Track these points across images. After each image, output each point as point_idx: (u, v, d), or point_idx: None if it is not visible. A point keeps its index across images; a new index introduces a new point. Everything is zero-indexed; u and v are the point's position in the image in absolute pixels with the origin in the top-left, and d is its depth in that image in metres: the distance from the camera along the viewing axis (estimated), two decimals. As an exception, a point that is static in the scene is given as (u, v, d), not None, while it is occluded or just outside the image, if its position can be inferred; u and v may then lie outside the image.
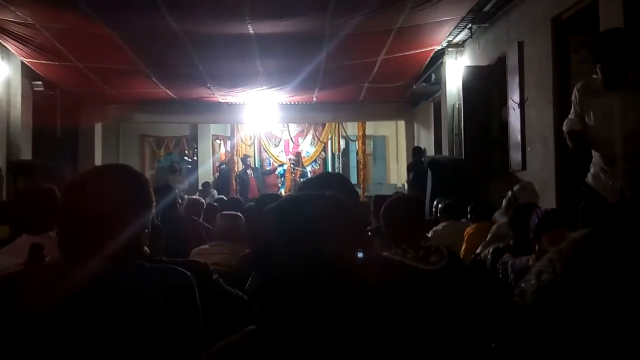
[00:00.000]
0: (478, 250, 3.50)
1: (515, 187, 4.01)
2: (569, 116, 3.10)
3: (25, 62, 7.38)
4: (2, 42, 6.78)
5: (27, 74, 7.73)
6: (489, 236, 3.62)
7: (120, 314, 1.05)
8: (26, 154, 7.84)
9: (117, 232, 1.09)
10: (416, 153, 9.27)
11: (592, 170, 3.05)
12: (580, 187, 3.13)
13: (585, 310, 0.35)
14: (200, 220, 4.98)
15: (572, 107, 3.08)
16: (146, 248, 1.25)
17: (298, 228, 0.85)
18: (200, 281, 1.23)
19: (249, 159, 12.85)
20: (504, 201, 3.98)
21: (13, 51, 7.07)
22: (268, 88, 8.70)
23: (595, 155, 3.00)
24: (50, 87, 8.22)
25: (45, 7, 5.48)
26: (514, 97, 5.75)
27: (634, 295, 0.34)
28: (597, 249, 0.38)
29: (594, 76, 2.94)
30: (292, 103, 10.25)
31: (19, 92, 7.65)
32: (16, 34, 6.30)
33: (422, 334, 2.06)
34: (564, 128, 3.09)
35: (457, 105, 7.53)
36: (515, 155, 5.74)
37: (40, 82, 7.96)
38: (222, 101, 9.87)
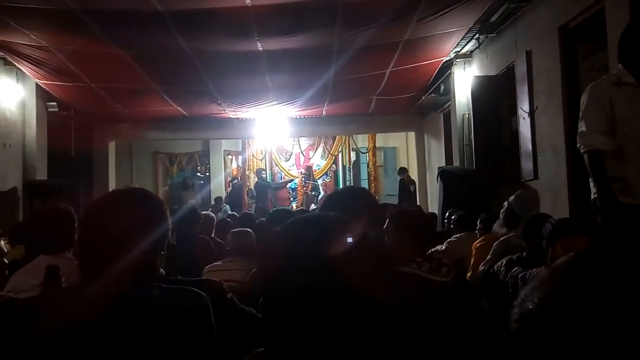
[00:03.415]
0: (481, 267, 3.48)
1: (511, 198, 3.98)
2: (585, 128, 2.74)
3: (40, 84, 7.53)
4: (16, 64, 6.93)
5: (42, 95, 7.88)
6: (490, 254, 3.57)
7: (137, 335, 1.07)
8: (41, 174, 7.96)
9: (133, 254, 1.12)
10: (400, 172, 11.14)
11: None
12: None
13: (565, 338, 0.36)
14: (212, 235, 5.02)
15: (587, 114, 2.72)
16: (162, 270, 1.27)
17: (306, 249, 0.87)
18: (214, 300, 1.25)
19: (263, 173, 12.98)
20: (502, 212, 3.95)
21: (27, 73, 7.22)
22: (278, 103, 8.77)
23: (620, 157, 2.68)
24: (64, 108, 8.37)
25: (58, 30, 5.60)
26: (523, 106, 5.74)
27: (612, 325, 0.35)
28: (577, 278, 0.39)
29: (614, 72, 2.75)
30: (302, 117, 10.31)
31: (34, 113, 7.79)
32: (30, 56, 6.44)
33: (445, 346, 2.06)
34: (584, 143, 2.72)
35: (467, 116, 7.53)
36: (527, 165, 5.72)
37: (54, 103, 8.11)
38: (233, 117, 9.96)
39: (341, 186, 13.96)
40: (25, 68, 6.96)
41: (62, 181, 8.04)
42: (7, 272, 2.64)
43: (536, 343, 0.37)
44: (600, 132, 2.71)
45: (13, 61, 6.83)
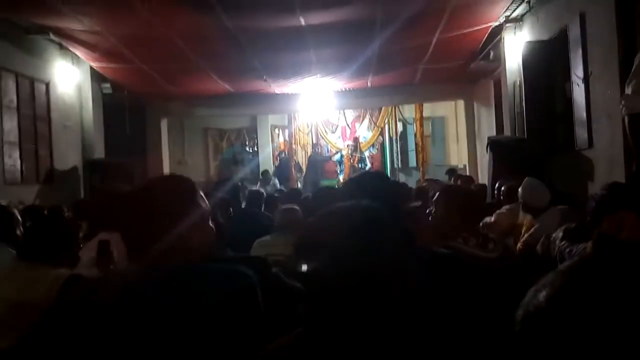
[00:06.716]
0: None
1: (519, 191, 3.98)
2: (630, 89, 2.73)
3: (94, 67, 7.83)
4: (71, 48, 7.22)
5: (96, 77, 8.21)
6: (524, 236, 3.56)
7: (183, 315, 1.15)
8: (99, 152, 8.36)
9: (174, 236, 1.20)
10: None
11: None
12: None
13: (562, 341, 0.38)
14: (262, 210, 5.16)
15: (636, 75, 2.73)
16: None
17: (348, 239, 0.91)
18: (258, 277, 1.32)
19: (317, 147, 13.40)
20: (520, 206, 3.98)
21: (82, 57, 7.51)
22: (322, 76, 8.76)
23: None
24: (117, 89, 8.69)
25: (110, 15, 5.78)
26: (577, 72, 5.50)
27: (606, 333, 0.37)
28: (575, 286, 0.40)
29: None
30: (347, 89, 10.26)
31: (90, 95, 8.15)
32: (84, 41, 6.69)
33: (490, 324, 2.08)
34: (627, 105, 2.77)
35: (518, 82, 7.28)
36: (581, 133, 5.50)
37: (108, 85, 8.44)
38: (279, 92, 10.03)
39: (388, 158, 13.89)
40: (80, 52, 7.24)
41: (119, 159, 8.42)
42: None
43: (537, 345, 0.40)
44: None
45: (68, 46, 7.11)
